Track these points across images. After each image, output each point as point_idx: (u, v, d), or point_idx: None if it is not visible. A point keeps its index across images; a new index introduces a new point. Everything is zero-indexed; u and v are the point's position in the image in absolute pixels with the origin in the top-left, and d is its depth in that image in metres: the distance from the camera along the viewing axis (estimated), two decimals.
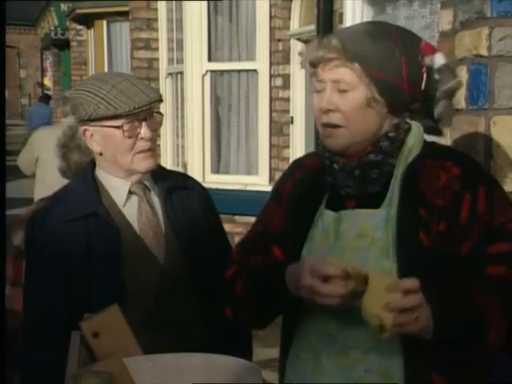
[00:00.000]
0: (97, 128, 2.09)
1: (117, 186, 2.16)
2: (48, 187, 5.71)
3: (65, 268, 2.06)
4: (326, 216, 1.83)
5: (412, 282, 1.57)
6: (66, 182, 5.85)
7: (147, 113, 2.08)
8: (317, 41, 1.79)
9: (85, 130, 2.12)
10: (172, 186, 2.23)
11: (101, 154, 2.13)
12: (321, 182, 1.86)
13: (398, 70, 1.73)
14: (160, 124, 2.17)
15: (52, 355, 2.00)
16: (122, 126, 2.05)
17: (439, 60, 1.77)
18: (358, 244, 1.75)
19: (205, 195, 2.36)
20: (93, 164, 2.22)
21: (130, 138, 2.06)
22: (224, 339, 2.10)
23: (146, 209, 2.16)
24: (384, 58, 1.73)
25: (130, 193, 2.16)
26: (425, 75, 1.75)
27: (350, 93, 1.74)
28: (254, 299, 1.90)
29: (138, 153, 2.09)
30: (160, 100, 2.10)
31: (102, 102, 2.03)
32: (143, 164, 2.11)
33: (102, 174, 2.18)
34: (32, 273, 2.14)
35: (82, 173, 2.25)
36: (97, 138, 2.10)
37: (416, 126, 1.81)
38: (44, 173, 5.77)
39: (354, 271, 1.60)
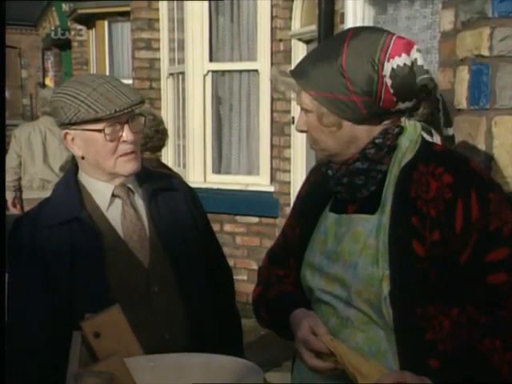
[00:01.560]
0: (78, 132, 2.05)
1: (100, 190, 2.12)
2: (30, 179, 6.37)
3: (48, 273, 2.03)
4: (328, 219, 1.85)
5: (397, 376, 1.57)
6: (45, 172, 6.53)
7: (129, 115, 2.05)
8: (278, 72, 1.85)
9: (66, 133, 2.08)
10: (156, 187, 2.20)
11: (83, 158, 2.10)
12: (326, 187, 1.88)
13: (343, 85, 1.72)
14: (143, 126, 2.15)
15: (38, 360, 2.00)
16: (104, 130, 2.02)
17: (414, 55, 1.74)
18: (350, 249, 1.76)
19: (191, 195, 2.33)
20: (75, 167, 2.18)
21: (111, 141, 2.03)
22: (211, 342, 2.10)
23: (129, 212, 2.13)
24: (326, 78, 1.74)
25: (114, 196, 2.13)
26: (387, 80, 1.71)
27: (309, 114, 1.80)
28: (275, 325, 1.98)
29: (121, 156, 2.06)
30: (142, 102, 2.07)
31: (83, 105, 2.00)
32: (126, 167, 2.08)
33: (84, 178, 2.15)
34: (16, 278, 2.09)
35: (65, 177, 2.21)
36: (78, 141, 2.07)
37: (412, 127, 1.79)
38: (25, 166, 6.40)
39: (342, 353, 1.65)
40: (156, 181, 2.22)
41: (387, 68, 1.71)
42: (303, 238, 1.90)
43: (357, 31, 1.79)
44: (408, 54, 1.73)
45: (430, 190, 1.69)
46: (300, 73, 1.79)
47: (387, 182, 1.76)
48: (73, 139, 2.08)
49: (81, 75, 2.25)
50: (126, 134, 2.05)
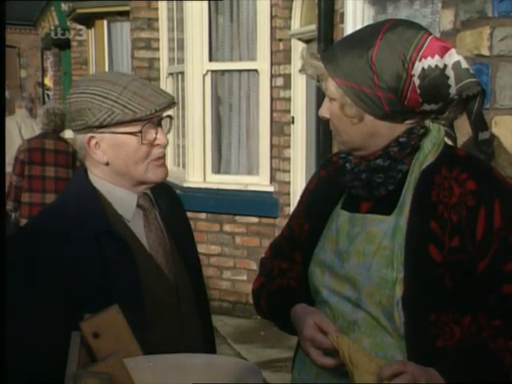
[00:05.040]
0: (106, 135, 1.85)
1: (123, 199, 1.92)
2: (10, 157, 6.96)
3: (75, 295, 1.78)
4: (341, 217, 1.82)
5: (397, 367, 1.54)
6: None
7: (160, 116, 1.89)
8: (308, 54, 1.80)
9: (90, 137, 1.87)
10: (165, 195, 2.07)
11: (107, 164, 1.89)
12: (340, 181, 1.85)
13: (370, 78, 1.70)
14: (170, 129, 1.98)
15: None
16: (141, 132, 1.84)
17: (449, 59, 1.70)
18: (364, 250, 1.73)
19: (180, 199, 2.22)
20: (85, 172, 1.96)
21: (146, 144, 1.87)
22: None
23: (155, 224, 1.97)
24: (354, 68, 1.71)
25: (137, 206, 1.94)
26: (415, 79, 1.68)
27: (333, 102, 1.77)
28: (275, 317, 1.95)
29: (153, 161, 1.90)
30: (175, 102, 1.91)
31: (116, 105, 1.81)
32: (158, 173, 1.92)
33: (102, 184, 1.92)
34: (29, 297, 1.79)
35: (77, 184, 1.97)
36: (105, 146, 1.87)
37: (436, 130, 1.76)
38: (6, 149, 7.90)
39: (345, 350, 1.62)
40: (161, 188, 2.06)
41: (417, 67, 1.68)
42: (312, 234, 1.87)
43: (394, 24, 1.74)
44: (442, 56, 1.69)
45: (453, 196, 1.67)
46: (329, 58, 1.75)
47: (407, 184, 1.73)
48: (97, 143, 1.88)
49: (101, 73, 2.05)
50: (160, 136, 1.89)
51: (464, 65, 1.71)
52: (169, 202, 2.09)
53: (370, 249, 1.72)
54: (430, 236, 1.66)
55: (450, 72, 1.70)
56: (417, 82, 1.69)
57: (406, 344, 1.66)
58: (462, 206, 1.66)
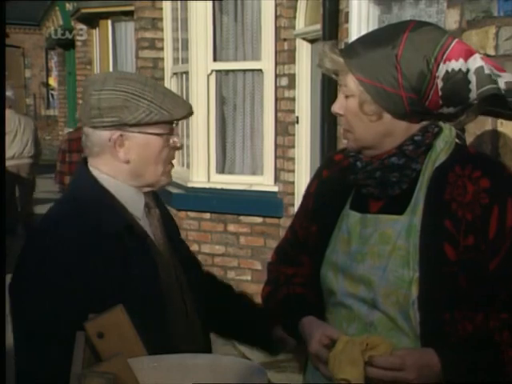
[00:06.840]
0: (135, 134, 1.84)
1: (132, 197, 1.90)
2: (14, 151, 8.76)
3: (100, 292, 1.74)
4: (351, 218, 1.81)
5: (393, 361, 1.57)
6: (22, 147, 9.34)
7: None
8: (328, 48, 1.78)
9: (119, 135, 1.84)
10: (157, 194, 2.05)
11: (127, 163, 1.87)
12: (347, 181, 1.84)
13: (393, 77, 1.69)
14: None
15: None
16: (169, 134, 1.87)
17: (473, 63, 1.69)
18: (379, 251, 1.72)
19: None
20: (86, 168, 1.92)
21: (168, 146, 1.89)
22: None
23: (158, 223, 1.97)
24: (377, 66, 1.70)
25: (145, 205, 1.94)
26: (438, 81, 1.68)
27: (350, 99, 1.75)
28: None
29: (169, 164, 1.92)
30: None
31: (152, 105, 1.82)
32: (169, 176, 1.94)
33: (110, 182, 1.89)
34: (56, 297, 1.74)
35: (84, 181, 1.91)
36: (130, 144, 1.85)
37: (448, 129, 1.76)
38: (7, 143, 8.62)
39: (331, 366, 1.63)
40: None
41: (442, 69, 1.68)
42: (322, 236, 1.86)
43: (418, 24, 1.73)
44: (466, 60, 1.68)
45: (467, 194, 1.67)
46: (351, 54, 1.74)
47: (420, 182, 1.73)
48: (122, 141, 1.85)
49: (124, 72, 1.92)
50: (178, 139, 1.92)
51: (487, 70, 1.69)
52: (159, 201, 2.09)
53: (385, 249, 1.71)
54: (445, 234, 1.66)
55: (472, 77, 1.69)
56: (440, 83, 1.68)
57: (422, 344, 1.66)
58: (476, 204, 1.66)
